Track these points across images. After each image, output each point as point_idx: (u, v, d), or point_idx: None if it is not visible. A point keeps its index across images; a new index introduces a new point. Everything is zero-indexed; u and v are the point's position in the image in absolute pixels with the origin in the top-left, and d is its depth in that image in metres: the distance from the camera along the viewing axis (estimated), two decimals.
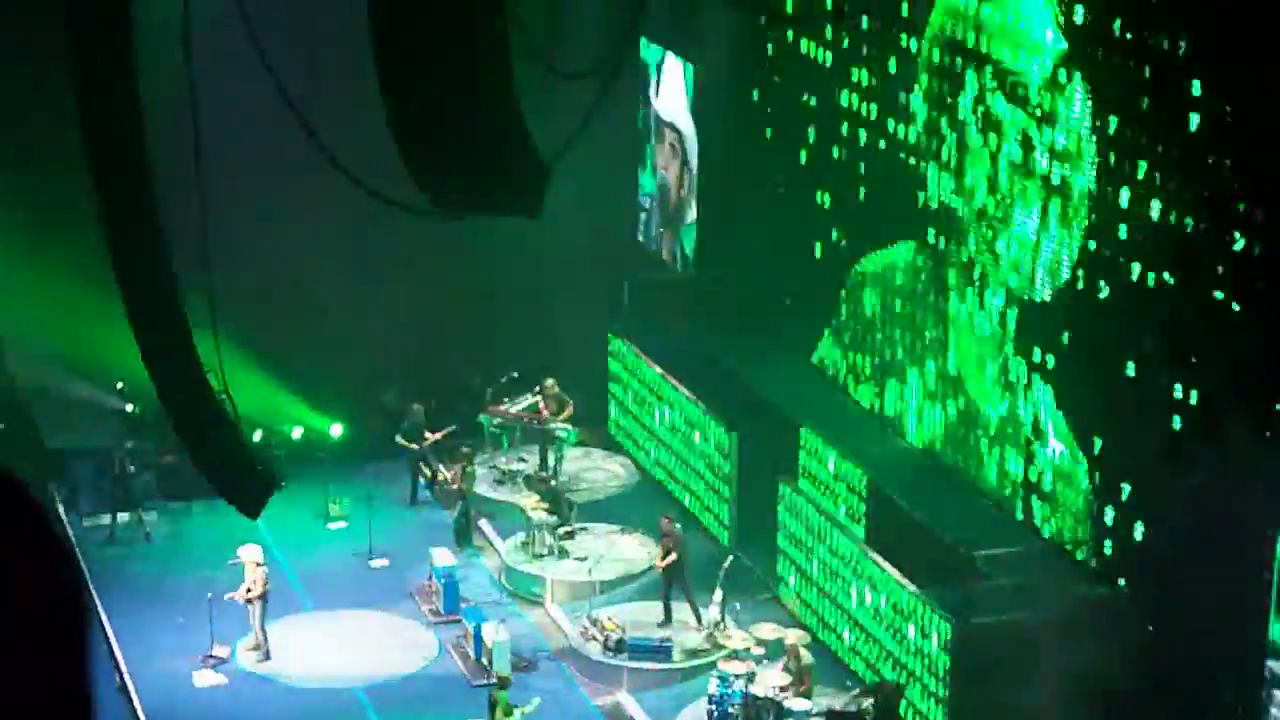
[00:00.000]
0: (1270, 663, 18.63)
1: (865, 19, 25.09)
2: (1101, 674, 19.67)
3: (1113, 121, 20.27)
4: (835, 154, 26.39)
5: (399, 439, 28.91)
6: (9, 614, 2.87)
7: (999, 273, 22.89)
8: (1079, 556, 21.56)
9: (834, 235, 26.77)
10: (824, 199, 26.90)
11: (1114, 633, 20.09)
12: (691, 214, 30.36)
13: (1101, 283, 20.75)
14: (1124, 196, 20.13)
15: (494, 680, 23.16)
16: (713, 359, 28.49)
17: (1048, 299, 21.95)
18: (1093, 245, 20.89)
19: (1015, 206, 22.39)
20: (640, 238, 31.83)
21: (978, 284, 23.42)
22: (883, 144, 25.22)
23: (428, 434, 28.97)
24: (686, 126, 30.14)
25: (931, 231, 24.32)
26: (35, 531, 2.93)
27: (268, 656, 24.86)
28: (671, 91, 30.33)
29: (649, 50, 30.42)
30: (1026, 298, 22.35)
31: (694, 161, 30.16)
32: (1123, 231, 20.24)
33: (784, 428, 25.99)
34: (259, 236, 28.95)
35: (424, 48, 12.65)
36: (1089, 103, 20.69)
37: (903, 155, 24.73)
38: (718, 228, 29.56)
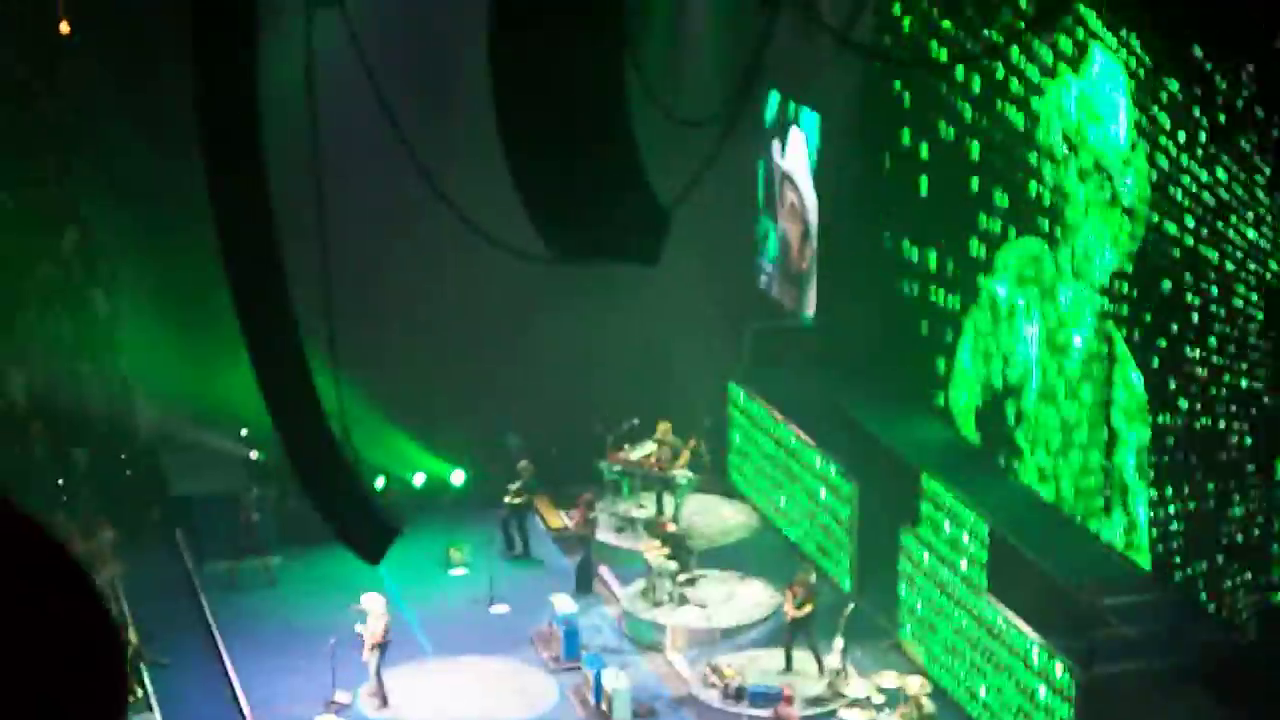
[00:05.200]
0: None
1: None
2: None
3: None
4: (955, 206, 26.26)
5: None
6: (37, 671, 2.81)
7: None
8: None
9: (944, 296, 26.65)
10: (937, 250, 26.78)
11: (1243, 683, 19.78)
12: (812, 272, 30.29)
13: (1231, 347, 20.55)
14: None
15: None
16: (833, 407, 28.36)
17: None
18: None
19: None
20: (763, 286, 31.76)
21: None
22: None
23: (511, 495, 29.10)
24: (807, 190, 30.09)
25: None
26: (59, 573, 2.88)
27: (385, 703, 24.96)
28: (795, 154, 30.29)
29: (775, 108, 30.38)
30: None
31: (813, 222, 30.07)
32: None
33: (905, 474, 25.82)
34: (381, 284, 29.19)
35: (544, 94, 12.70)
36: None
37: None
38: (838, 277, 29.44)
